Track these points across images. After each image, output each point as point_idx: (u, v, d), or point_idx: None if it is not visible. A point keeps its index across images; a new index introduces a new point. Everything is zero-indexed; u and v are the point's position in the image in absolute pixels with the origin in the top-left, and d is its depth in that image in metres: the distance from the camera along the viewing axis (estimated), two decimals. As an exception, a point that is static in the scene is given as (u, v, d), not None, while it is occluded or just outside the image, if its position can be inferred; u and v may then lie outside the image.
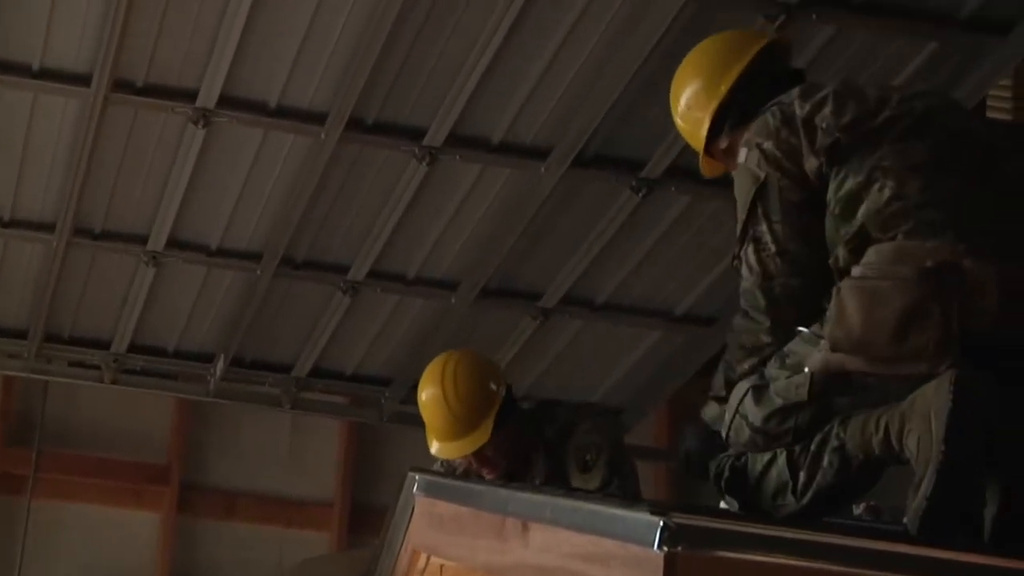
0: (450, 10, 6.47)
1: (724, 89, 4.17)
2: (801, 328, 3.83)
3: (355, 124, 7.08)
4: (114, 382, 8.98)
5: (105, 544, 9.33)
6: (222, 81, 6.85)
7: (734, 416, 3.86)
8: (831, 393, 3.65)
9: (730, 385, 3.94)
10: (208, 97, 6.93)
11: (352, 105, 6.89)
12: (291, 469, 9.67)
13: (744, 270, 3.93)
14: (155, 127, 7.20)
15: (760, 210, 3.87)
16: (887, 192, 3.68)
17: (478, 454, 5.56)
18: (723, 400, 3.97)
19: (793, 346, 3.81)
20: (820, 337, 3.68)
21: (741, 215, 3.92)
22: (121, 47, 6.62)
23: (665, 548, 2.84)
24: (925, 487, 3.35)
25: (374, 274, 8.23)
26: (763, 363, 3.85)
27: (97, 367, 8.96)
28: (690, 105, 4.28)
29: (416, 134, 7.19)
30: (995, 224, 3.66)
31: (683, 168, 7.22)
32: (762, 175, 3.88)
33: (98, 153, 7.28)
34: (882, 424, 3.54)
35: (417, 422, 9.07)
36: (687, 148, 6.98)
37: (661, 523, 2.85)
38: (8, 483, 9.24)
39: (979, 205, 3.69)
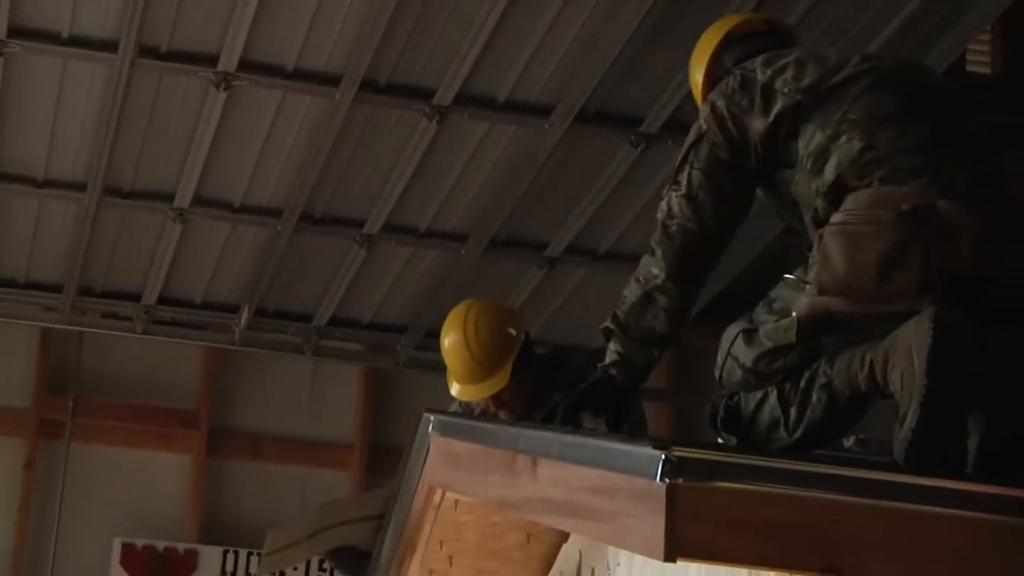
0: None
1: (706, 58, 4.22)
2: (787, 275, 3.77)
3: (368, 85, 7.00)
4: (145, 332, 8.99)
5: (138, 485, 9.27)
6: (241, 46, 6.77)
7: (726, 358, 3.80)
8: (817, 334, 3.57)
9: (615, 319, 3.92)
10: (228, 62, 6.85)
11: (365, 67, 6.82)
12: (312, 413, 9.62)
13: (660, 206, 3.91)
14: (179, 91, 7.13)
15: (690, 157, 3.86)
16: (857, 143, 3.62)
17: (496, 397, 5.49)
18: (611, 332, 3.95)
19: (779, 292, 3.75)
20: (804, 282, 3.61)
21: (679, 159, 3.93)
22: (145, 15, 6.55)
23: (667, 480, 2.80)
24: (910, 419, 3.28)
25: (388, 227, 8.17)
26: (647, 297, 3.83)
27: (129, 319, 8.96)
28: (693, 72, 4.32)
29: (426, 94, 7.10)
30: (963, 168, 3.61)
31: (679, 123, 7.08)
32: (704, 128, 3.86)
33: (126, 116, 7.21)
34: (867, 361, 3.48)
35: (431, 367, 9.21)
36: (682, 104, 7.02)
37: (663, 456, 2.80)
38: (47, 428, 9.16)
39: (947, 151, 3.64)
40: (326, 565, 8.99)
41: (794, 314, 3.58)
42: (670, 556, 2.77)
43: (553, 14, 6.63)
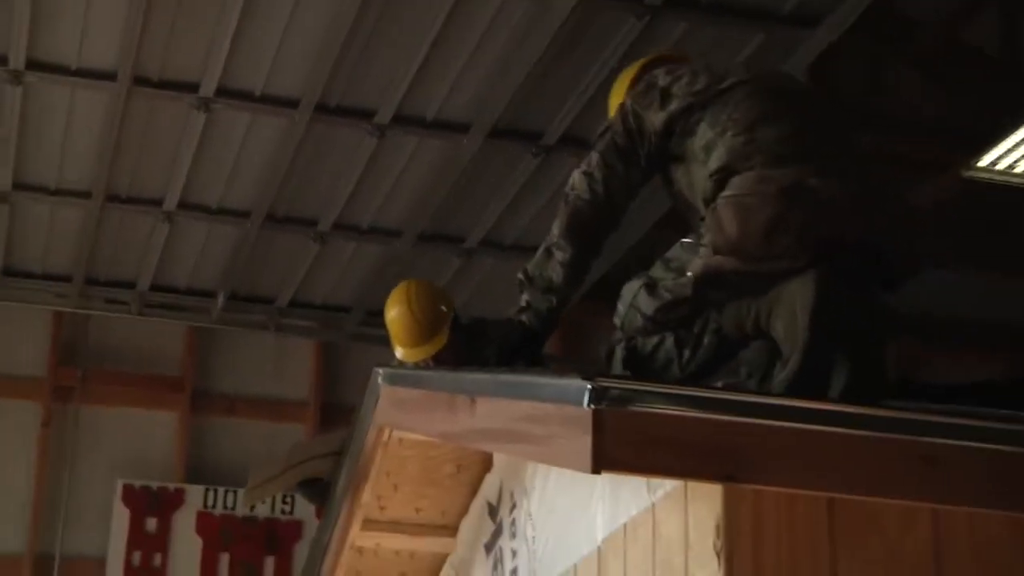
0: None
1: (623, 90, 4.11)
2: (684, 239, 3.67)
3: (321, 108, 6.83)
4: (139, 314, 8.85)
5: (135, 437, 9.05)
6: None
7: (628, 308, 3.68)
8: (709, 288, 3.47)
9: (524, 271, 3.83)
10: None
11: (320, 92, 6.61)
12: (275, 378, 9.40)
13: (567, 182, 3.85)
14: (167, 115, 6.93)
15: (596, 144, 3.82)
16: (741, 137, 3.53)
17: (436, 356, 5.32)
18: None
19: (675, 253, 3.67)
20: (699, 245, 3.52)
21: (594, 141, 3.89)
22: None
23: (592, 406, 2.64)
24: (792, 362, 3.21)
25: (337, 225, 8.00)
26: (547, 252, 3.77)
27: (126, 303, 8.80)
28: (612, 101, 4.19)
29: (369, 114, 6.91)
30: (828, 154, 3.52)
31: (572, 138, 7.01)
32: (611, 122, 3.83)
33: (123, 137, 7.03)
34: (752, 310, 3.39)
35: (372, 340, 9.11)
36: (573, 123, 6.84)
37: (589, 386, 2.65)
38: (61, 393, 8.91)
39: (814, 141, 3.56)
40: (288, 497, 8.82)
41: (689, 273, 3.45)
42: (596, 470, 2.64)
43: (472, 47, 6.45)
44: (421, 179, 7.51)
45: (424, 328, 5.30)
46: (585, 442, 2.64)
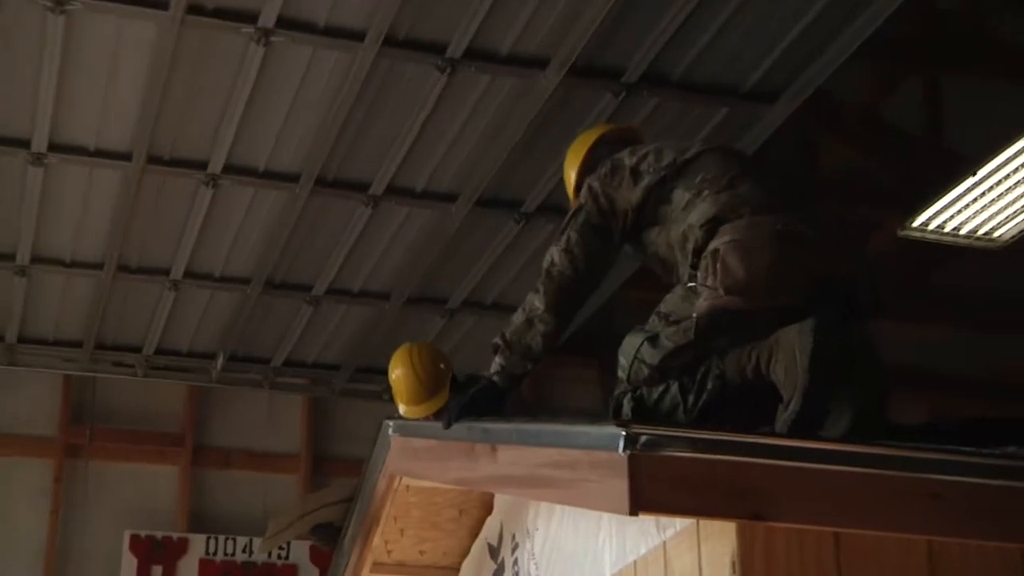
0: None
1: (579, 159, 4.22)
2: (670, 292, 3.69)
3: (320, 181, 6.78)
4: (144, 376, 8.72)
5: (140, 491, 8.90)
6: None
7: (632, 361, 3.65)
8: (714, 330, 3.45)
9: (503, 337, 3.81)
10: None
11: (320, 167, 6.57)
12: (269, 432, 9.26)
13: (545, 257, 3.87)
14: (175, 191, 6.85)
15: (571, 223, 3.84)
16: (725, 193, 3.58)
17: (436, 413, 5.26)
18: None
19: (669, 307, 3.64)
20: (694, 293, 3.52)
21: (562, 226, 3.91)
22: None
23: (628, 451, 2.61)
24: (794, 404, 3.18)
25: (330, 290, 7.92)
26: (529, 322, 3.76)
27: (132, 365, 8.67)
28: (567, 170, 4.30)
29: (363, 187, 6.87)
30: (792, 208, 3.58)
31: (550, 206, 6.98)
32: (582, 202, 3.86)
33: (136, 214, 6.93)
34: (753, 356, 3.37)
35: (359, 395, 9.04)
36: (551, 193, 6.84)
37: (623, 433, 2.62)
38: (71, 450, 8.78)
39: (780, 196, 3.63)
40: (284, 544, 8.71)
41: (694, 315, 3.43)
42: (634, 512, 2.61)
43: (460, 124, 6.43)
44: (410, 245, 7.45)
45: (426, 387, 5.27)
46: (620, 485, 2.60)
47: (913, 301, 8.31)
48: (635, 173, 3.78)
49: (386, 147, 6.55)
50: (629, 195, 3.75)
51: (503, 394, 3.84)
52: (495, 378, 3.83)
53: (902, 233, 7.56)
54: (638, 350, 3.61)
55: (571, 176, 4.25)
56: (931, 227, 7.44)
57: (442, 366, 5.36)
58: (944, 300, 9.06)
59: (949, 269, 8.60)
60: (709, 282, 3.42)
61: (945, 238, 7.55)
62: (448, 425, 3.82)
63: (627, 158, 3.85)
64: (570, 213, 3.90)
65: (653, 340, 3.57)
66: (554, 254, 3.81)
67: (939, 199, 7.12)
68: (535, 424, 3.25)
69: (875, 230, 7.89)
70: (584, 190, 3.88)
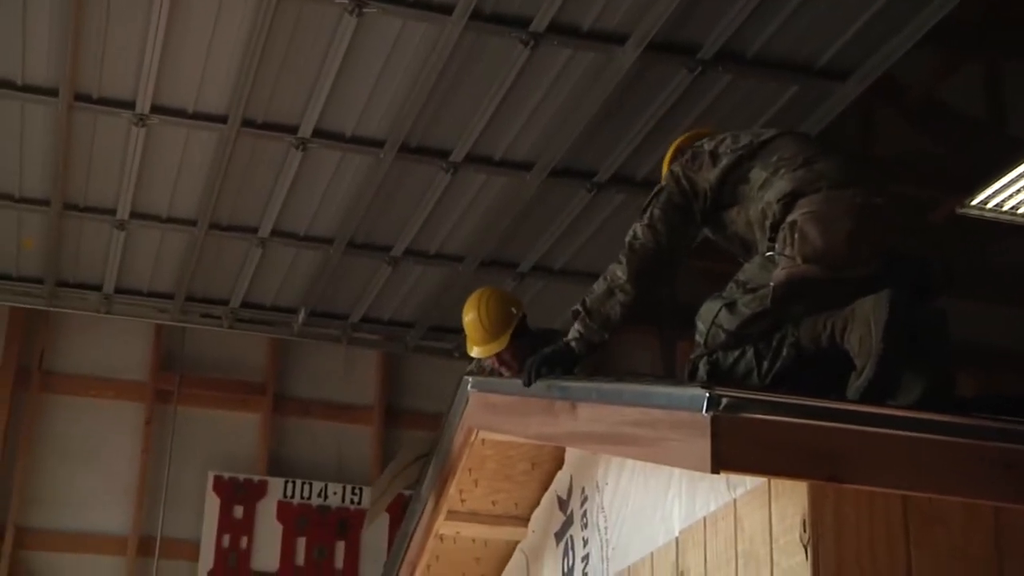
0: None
1: (673, 150, 4.17)
2: (750, 260, 3.67)
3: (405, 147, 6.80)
4: (230, 327, 8.79)
5: (224, 436, 8.99)
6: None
7: (710, 327, 3.63)
8: (791, 297, 3.43)
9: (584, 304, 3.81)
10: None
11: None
12: (345, 384, 9.32)
13: (629, 231, 3.86)
14: (265, 153, 6.88)
15: (653, 201, 3.85)
16: (802, 169, 3.56)
17: (499, 356, 5.25)
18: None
19: (748, 275, 3.62)
20: (772, 262, 3.50)
21: (645, 203, 3.91)
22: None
23: (711, 412, 2.60)
24: (868, 372, 3.15)
25: (408, 251, 7.93)
26: (610, 292, 3.76)
27: (219, 317, 8.75)
28: (668, 158, 4.22)
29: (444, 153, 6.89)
30: (868, 182, 3.56)
31: (621, 176, 6.96)
32: (665, 183, 3.87)
33: (227, 179, 6.96)
34: (828, 324, 3.34)
35: (431, 352, 9.09)
36: (624, 163, 6.79)
37: (707, 394, 2.61)
38: (161, 396, 8.88)
39: (855, 171, 3.59)
40: (357, 489, 8.78)
41: (772, 284, 3.41)
42: (715, 470, 2.60)
43: (540, 96, 6.39)
44: (485, 211, 7.46)
45: (490, 330, 5.23)
46: (703, 444, 2.60)
47: (967, 278, 8.20)
48: (714, 156, 3.80)
49: (467, 117, 6.55)
50: (708, 175, 3.76)
51: (576, 360, 3.85)
52: (572, 343, 3.84)
53: (960, 211, 7.46)
54: (716, 316, 3.59)
55: (664, 169, 4.26)
56: (989, 206, 7.35)
57: (513, 310, 5.33)
58: (997, 278, 8.94)
59: (1007, 247, 8.48)
60: (787, 252, 3.40)
61: (1002, 216, 7.45)
62: (529, 383, 3.83)
63: (707, 143, 3.88)
64: (652, 192, 3.91)
65: (731, 307, 3.55)
66: (637, 229, 3.81)
67: (997, 180, 7.03)
68: (616, 384, 3.24)
69: (933, 208, 7.79)
70: (667, 174, 3.91)
